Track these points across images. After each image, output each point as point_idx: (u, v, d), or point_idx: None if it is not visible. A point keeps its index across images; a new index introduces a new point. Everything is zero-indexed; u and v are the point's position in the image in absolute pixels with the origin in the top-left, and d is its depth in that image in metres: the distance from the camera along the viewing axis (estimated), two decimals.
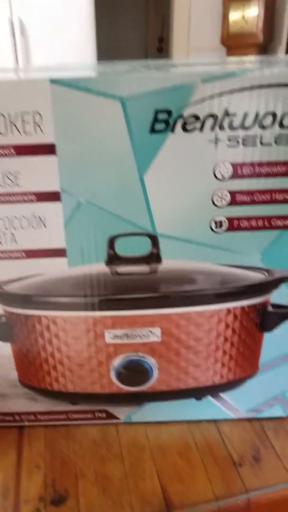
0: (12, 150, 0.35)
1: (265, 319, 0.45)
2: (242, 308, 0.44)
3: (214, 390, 0.48)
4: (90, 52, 2.42)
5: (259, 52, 3.18)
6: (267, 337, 0.46)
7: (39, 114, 0.34)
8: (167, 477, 0.44)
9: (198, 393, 0.48)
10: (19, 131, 0.34)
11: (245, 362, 0.47)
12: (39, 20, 2.30)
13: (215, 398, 0.49)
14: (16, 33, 2.27)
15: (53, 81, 0.33)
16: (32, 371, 0.46)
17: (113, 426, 0.50)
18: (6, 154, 0.35)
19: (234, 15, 3.15)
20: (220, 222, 0.39)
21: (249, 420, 0.51)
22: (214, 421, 0.51)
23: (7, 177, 0.36)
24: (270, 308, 0.44)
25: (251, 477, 0.44)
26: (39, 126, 0.34)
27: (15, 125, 0.34)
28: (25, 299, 0.41)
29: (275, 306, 0.44)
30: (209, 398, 0.49)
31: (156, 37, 4.71)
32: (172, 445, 0.48)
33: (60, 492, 0.43)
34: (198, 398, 0.49)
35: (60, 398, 0.48)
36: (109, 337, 0.44)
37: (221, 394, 0.49)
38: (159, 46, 4.67)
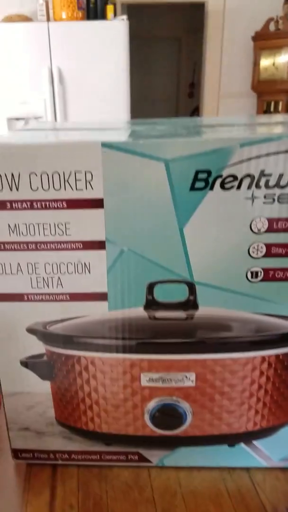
0: (64, 204, 0.38)
1: None
2: (277, 356, 0.45)
3: (247, 437, 0.48)
4: (124, 97, 2.54)
5: None
6: None
7: (91, 173, 0.37)
8: None
9: (231, 439, 0.49)
10: (71, 187, 0.38)
11: (278, 410, 0.47)
12: (77, 69, 2.44)
13: (248, 445, 0.49)
14: (54, 81, 2.42)
15: (104, 145, 0.36)
16: (69, 410, 0.48)
17: (145, 469, 0.50)
18: (58, 207, 0.38)
19: (265, 62, 3.27)
20: (256, 272, 0.41)
21: (282, 469, 0.50)
22: (247, 469, 0.50)
23: (58, 227, 0.39)
24: None
25: None
26: (89, 183, 0.37)
27: (68, 182, 0.37)
28: (67, 340, 0.44)
29: None
30: (242, 445, 0.49)
31: (187, 83, 4.89)
32: (204, 491, 0.48)
33: None
34: (231, 444, 0.49)
35: (94, 438, 0.49)
36: (145, 380, 0.45)
37: (254, 442, 0.49)
38: (190, 92, 4.85)
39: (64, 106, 2.51)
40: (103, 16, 2.39)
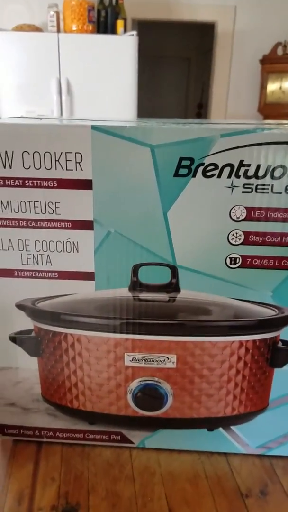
0: (55, 183, 0.41)
1: (276, 355, 0.47)
2: (254, 342, 0.47)
3: (225, 421, 0.50)
4: (131, 111, 2.59)
5: None
6: (278, 373, 0.48)
7: (80, 154, 0.40)
8: (175, 501, 0.46)
9: (210, 423, 0.50)
10: (62, 167, 0.41)
11: (255, 396, 0.49)
12: (85, 81, 2.51)
13: (227, 431, 0.51)
14: (62, 92, 2.48)
15: (94, 128, 0.39)
16: (54, 387, 0.50)
17: (127, 450, 0.52)
18: (49, 186, 0.41)
19: (272, 86, 3.34)
20: (235, 259, 0.43)
21: (259, 456, 0.52)
22: (225, 454, 0.52)
23: (48, 206, 0.42)
24: (280, 344, 0.47)
25: (257, 509, 0.45)
26: (79, 164, 0.40)
27: (59, 162, 0.40)
28: (54, 317, 0.46)
29: (285, 343, 0.47)
30: (221, 431, 0.51)
31: (195, 103, 4.98)
32: (183, 472, 0.49)
33: (72, 503, 0.45)
34: (210, 429, 0.51)
35: (78, 416, 0.51)
36: (128, 359, 0.47)
37: (233, 428, 0.51)
38: (198, 112, 4.93)
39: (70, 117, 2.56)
40: (113, 30, 2.46)
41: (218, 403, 0.49)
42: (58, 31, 2.46)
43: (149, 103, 4.70)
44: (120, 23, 2.43)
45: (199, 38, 4.43)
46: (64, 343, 0.47)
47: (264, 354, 0.47)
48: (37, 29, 2.57)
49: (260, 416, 0.50)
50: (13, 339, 0.48)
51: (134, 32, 2.40)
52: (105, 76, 2.48)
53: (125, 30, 2.50)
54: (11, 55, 2.44)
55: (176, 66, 4.91)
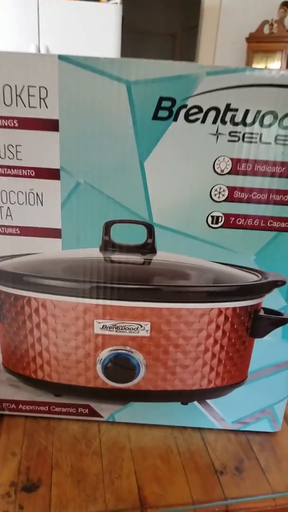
0: (16, 122, 0.36)
1: (256, 323, 0.44)
2: (234, 309, 0.43)
3: (201, 395, 0.47)
4: None
5: None
6: (257, 344, 0.45)
7: (45, 88, 0.35)
8: (145, 478, 0.42)
9: (184, 396, 0.47)
10: (24, 104, 0.35)
11: (233, 368, 0.46)
12: (65, 49, 2.40)
13: (202, 405, 0.48)
14: None
15: (62, 58, 0.34)
16: (17, 356, 0.45)
17: (95, 424, 0.49)
18: (9, 126, 0.36)
19: (257, 66, 3.28)
20: (217, 217, 0.39)
21: (235, 432, 0.49)
22: (199, 430, 0.49)
23: (8, 150, 0.37)
24: (262, 313, 0.44)
25: (232, 486, 0.42)
26: (44, 101, 0.35)
27: (20, 97, 0.35)
28: (16, 278, 0.42)
29: (267, 311, 0.44)
30: (196, 405, 0.48)
31: None
32: (154, 448, 0.46)
33: (33, 480, 0.41)
34: (184, 402, 0.48)
35: (43, 388, 0.47)
36: (98, 327, 0.43)
37: (209, 402, 0.48)
38: None
39: None
40: None
41: (194, 375, 0.46)
42: None
43: None
44: None
45: (185, 14, 4.32)
46: (28, 308, 0.43)
47: (244, 323, 0.44)
48: None
49: (237, 390, 0.47)
50: None
51: (118, 0, 2.30)
52: (87, 44, 2.38)
53: None
54: None
55: (161, 42, 4.79)
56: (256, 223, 0.39)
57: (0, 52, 0.34)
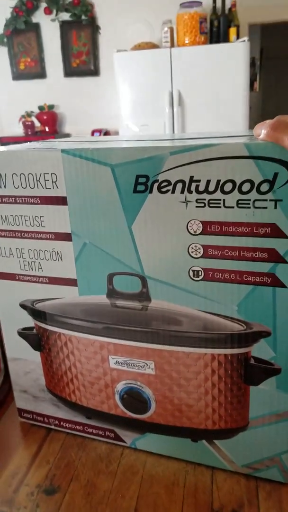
0: (38, 200, 0.47)
1: (249, 371, 0.46)
2: (226, 356, 0.46)
3: (206, 434, 0.50)
4: (243, 116, 2.56)
5: None
6: (256, 392, 0.47)
7: (55, 174, 0.46)
8: (144, 503, 0.48)
9: (192, 434, 0.51)
10: (42, 186, 0.47)
11: (234, 412, 0.48)
12: (196, 91, 2.55)
13: (212, 446, 0.51)
14: (174, 104, 2.57)
15: (64, 151, 0.45)
16: (55, 380, 0.56)
17: (120, 448, 0.56)
18: (34, 202, 0.48)
19: None
20: (198, 271, 0.44)
21: (247, 476, 0.51)
22: (212, 469, 0.52)
23: (35, 220, 0.48)
24: (252, 361, 0.46)
25: None
26: (55, 184, 0.46)
27: (39, 182, 0.47)
28: (49, 317, 0.52)
29: (258, 360, 0.46)
30: (205, 443, 0.51)
31: None
32: (163, 478, 0.51)
33: (54, 486, 0.50)
34: (194, 440, 0.52)
35: (76, 410, 0.56)
36: (112, 362, 0.51)
37: (217, 443, 0.50)
38: None
39: (182, 129, 2.64)
40: (225, 39, 2.47)
41: (199, 415, 0.50)
42: (172, 45, 2.56)
43: (274, 107, 4.52)
44: (232, 31, 2.42)
45: None
46: (59, 341, 0.53)
47: (238, 370, 0.47)
48: (154, 46, 2.71)
49: (244, 435, 0.49)
50: (20, 334, 0.55)
51: (246, 38, 2.37)
52: (216, 84, 2.49)
53: (238, 37, 2.48)
54: (128, 72, 2.62)
55: None
56: (233, 277, 0.43)
57: (22, 151, 0.46)
